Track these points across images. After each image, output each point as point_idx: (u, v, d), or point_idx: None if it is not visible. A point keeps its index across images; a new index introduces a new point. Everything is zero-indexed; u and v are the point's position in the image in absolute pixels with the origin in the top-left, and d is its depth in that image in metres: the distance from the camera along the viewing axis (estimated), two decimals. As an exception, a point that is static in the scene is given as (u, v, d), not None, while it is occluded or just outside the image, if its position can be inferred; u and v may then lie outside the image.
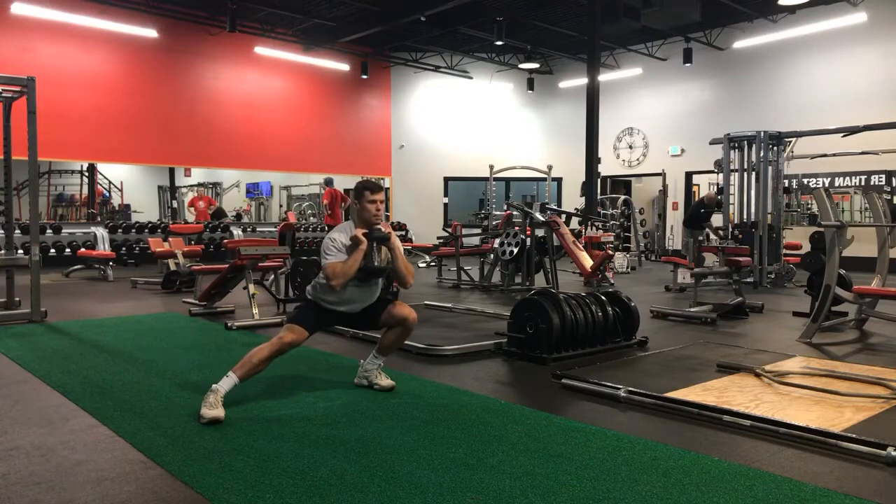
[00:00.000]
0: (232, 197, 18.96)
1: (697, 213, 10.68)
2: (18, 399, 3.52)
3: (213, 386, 3.19)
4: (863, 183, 12.06)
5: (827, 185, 12.20)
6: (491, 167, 13.76)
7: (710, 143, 10.40)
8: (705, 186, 12.77)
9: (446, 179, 17.10)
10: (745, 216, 9.63)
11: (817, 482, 2.45)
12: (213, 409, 3.10)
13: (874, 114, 10.68)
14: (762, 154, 9.55)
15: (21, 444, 2.83)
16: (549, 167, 13.53)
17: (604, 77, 13.81)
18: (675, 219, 14.38)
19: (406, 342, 4.76)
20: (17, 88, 6.14)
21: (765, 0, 12.21)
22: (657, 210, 14.82)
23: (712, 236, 10.41)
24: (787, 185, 11.05)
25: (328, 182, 12.40)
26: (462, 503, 2.27)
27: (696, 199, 11.18)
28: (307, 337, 3.46)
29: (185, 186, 17.69)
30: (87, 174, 15.17)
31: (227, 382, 3.22)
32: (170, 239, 10.04)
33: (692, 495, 2.34)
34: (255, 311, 5.99)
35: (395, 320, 3.65)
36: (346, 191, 12.58)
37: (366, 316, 3.70)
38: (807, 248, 7.72)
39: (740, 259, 7.12)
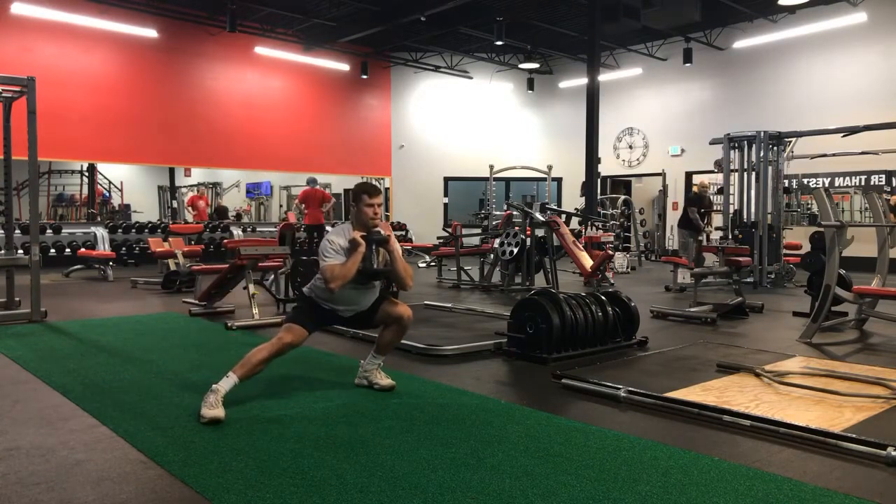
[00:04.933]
0: (232, 197, 18.96)
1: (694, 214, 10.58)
2: (18, 399, 3.52)
3: (214, 386, 3.19)
4: (863, 183, 12.06)
5: (827, 185, 12.19)
6: (491, 167, 13.75)
7: (710, 143, 10.39)
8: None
9: (446, 179, 17.08)
10: (745, 216, 9.62)
11: (817, 482, 2.45)
12: (213, 409, 3.10)
13: (874, 114, 10.66)
14: (762, 154, 9.54)
15: (21, 444, 2.82)
16: (549, 167, 13.53)
17: (604, 77, 13.80)
18: (675, 219, 14.32)
19: (406, 342, 4.78)
20: (17, 88, 6.14)
21: (765, 0, 12.21)
22: (657, 210, 14.81)
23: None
24: (787, 185, 11.02)
25: (309, 182, 12.12)
26: (462, 503, 2.27)
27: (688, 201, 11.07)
28: (306, 336, 3.47)
29: (185, 186, 17.68)
30: (87, 174, 15.18)
31: (228, 382, 3.22)
32: (170, 239, 10.04)
33: (692, 495, 2.34)
34: (255, 311, 5.99)
35: (391, 318, 3.66)
36: (346, 190, 12.45)
37: (364, 315, 3.71)
38: (807, 248, 7.72)
39: (740, 259, 7.12)
